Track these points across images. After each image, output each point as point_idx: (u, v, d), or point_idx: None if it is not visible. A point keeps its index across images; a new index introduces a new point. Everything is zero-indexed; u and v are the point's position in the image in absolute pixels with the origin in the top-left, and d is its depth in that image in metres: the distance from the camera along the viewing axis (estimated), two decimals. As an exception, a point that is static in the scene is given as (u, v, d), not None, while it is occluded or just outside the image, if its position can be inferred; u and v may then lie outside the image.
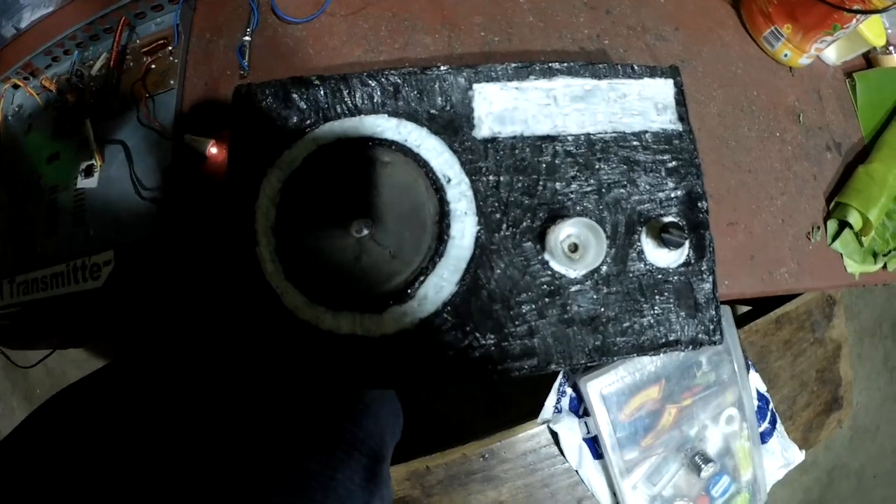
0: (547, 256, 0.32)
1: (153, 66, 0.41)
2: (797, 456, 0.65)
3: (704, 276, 0.33)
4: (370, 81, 0.33)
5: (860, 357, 1.21)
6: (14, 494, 0.33)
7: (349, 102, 0.33)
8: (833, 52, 0.52)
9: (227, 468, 0.32)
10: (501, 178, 0.32)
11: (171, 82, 0.40)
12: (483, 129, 0.33)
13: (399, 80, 0.33)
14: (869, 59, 0.56)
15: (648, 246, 0.33)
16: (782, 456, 0.65)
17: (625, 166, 0.33)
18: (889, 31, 0.55)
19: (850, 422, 1.14)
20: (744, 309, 0.69)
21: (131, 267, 0.34)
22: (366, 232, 0.31)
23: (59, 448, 0.37)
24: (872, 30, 0.51)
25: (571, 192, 0.33)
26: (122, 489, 0.33)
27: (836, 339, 0.68)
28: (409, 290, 0.31)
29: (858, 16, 0.44)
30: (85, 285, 0.36)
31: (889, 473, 1.20)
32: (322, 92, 0.33)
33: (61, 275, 0.38)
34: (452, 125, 0.33)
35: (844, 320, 0.69)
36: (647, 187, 0.33)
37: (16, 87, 0.47)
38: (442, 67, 0.33)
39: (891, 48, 0.56)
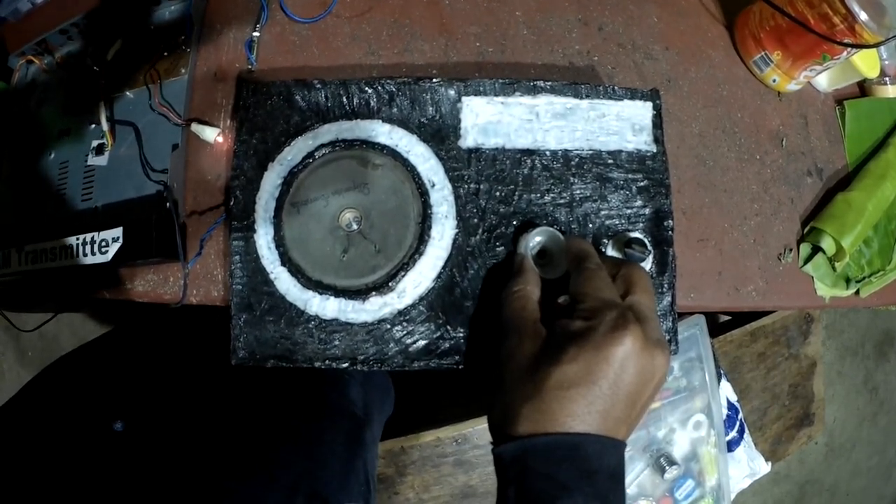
0: (517, 261, 0.37)
1: (165, 54, 0.45)
2: (763, 467, 0.70)
3: (664, 289, 0.38)
4: (367, 88, 0.37)
5: (840, 375, 1.27)
6: (13, 458, 0.37)
7: (347, 106, 0.38)
8: (825, 80, 0.56)
9: (223, 422, 0.38)
10: (481, 187, 0.37)
11: (182, 70, 0.44)
12: (468, 140, 0.38)
13: (394, 89, 0.37)
14: (863, 88, 0.60)
15: (613, 258, 0.38)
16: (748, 465, 0.70)
17: (597, 183, 0.38)
18: (885, 62, 0.59)
19: (825, 438, 1.21)
20: (726, 317, 0.74)
21: (138, 245, 0.39)
22: (355, 227, 0.37)
23: (57, 417, 0.42)
24: (866, 61, 0.54)
25: (545, 204, 0.37)
26: (122, 457, 0.38)
27: (812, 356, 0.73)
28: (389, 283, 0.36)
29: (848, 49, 0.48)
30: (93, 259, 0.41)
31: (862, 491, 1.27)
32: (323, 95, 0.38)
33: (70, 247, 0.43)
34: (440, 134, 0.38)
35: (821, 338, 0.74)
36: (617, 203, 0.38)
37: (30, 62, 0.52)
38: (434, 80, 0.38)
39: (885, 79, 0.60)
